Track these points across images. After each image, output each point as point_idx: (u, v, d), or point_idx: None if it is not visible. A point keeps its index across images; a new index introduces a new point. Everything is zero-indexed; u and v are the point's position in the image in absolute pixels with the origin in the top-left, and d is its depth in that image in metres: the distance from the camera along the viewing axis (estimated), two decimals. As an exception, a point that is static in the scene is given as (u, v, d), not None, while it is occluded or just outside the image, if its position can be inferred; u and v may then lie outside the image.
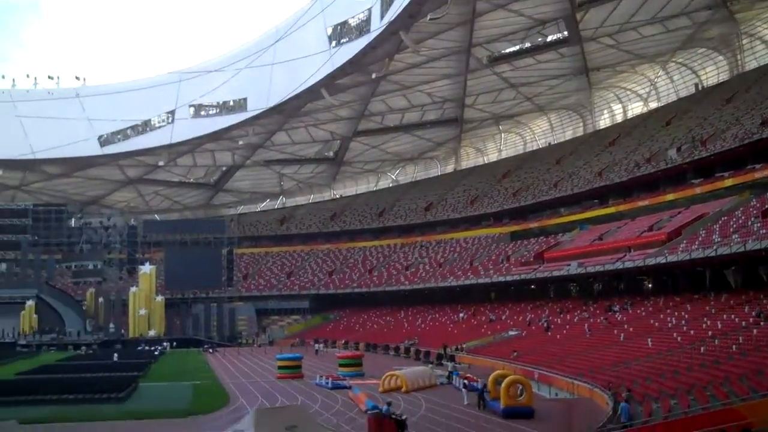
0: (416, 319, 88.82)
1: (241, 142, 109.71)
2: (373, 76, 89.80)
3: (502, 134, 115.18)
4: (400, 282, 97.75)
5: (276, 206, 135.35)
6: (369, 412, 29.03)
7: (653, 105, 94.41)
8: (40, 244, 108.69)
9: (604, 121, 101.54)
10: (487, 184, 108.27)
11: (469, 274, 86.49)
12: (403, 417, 27.29)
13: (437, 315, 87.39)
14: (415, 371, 46.24)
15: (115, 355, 70.69)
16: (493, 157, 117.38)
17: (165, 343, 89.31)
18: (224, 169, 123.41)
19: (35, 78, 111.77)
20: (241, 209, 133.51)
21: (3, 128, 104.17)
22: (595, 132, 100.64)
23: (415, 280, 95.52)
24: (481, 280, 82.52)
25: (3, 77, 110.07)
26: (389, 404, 28.94)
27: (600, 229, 73.91)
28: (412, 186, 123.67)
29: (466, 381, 39.37)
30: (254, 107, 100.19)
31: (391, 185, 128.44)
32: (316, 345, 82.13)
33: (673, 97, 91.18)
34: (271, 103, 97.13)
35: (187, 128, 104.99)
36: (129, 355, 75.23)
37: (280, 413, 15.64)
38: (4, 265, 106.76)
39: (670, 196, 70.26)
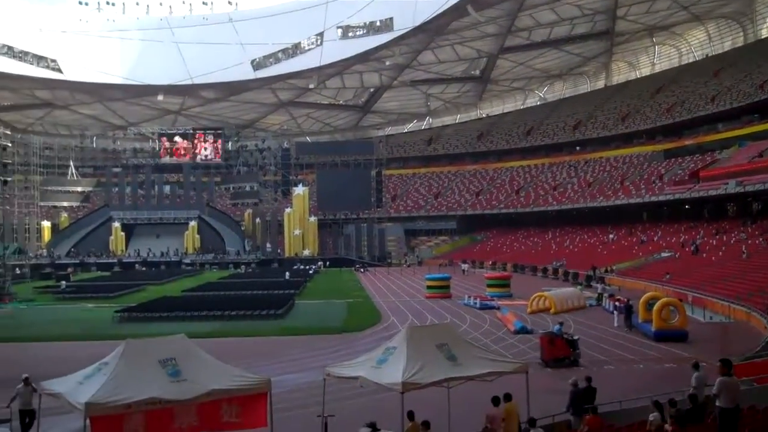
0: (564, 240, 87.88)
1: (388, 63, 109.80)
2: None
3: (656, 47, 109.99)
4: (548, 202, 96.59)
5: (423, 127, 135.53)
6: (541, 332, 29.58)
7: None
8: (200, 166, 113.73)
9: (766, 30, 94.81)
10: (639, 99, 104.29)
11: (619, 194, 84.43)
12: (575, 337, 27.46)
13: (586, 236, 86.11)
14: (563, 292, 46.10)
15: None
16: (645, 71, 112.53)
17: (318, 263, 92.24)
18: (372, 90, 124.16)
19: (190, 4, 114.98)
20: (389, 130, 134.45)
21: (162, 55, 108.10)
22: (757, 42, 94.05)
23: (563, 200, 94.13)
24: (632, 200, 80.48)
25: (161, 5, 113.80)
26: (561, 324, 29.08)
27: (760, 146, 70.09)
28: (560, 103, 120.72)
29: (617, 303, 39.00)
30: (400, 27, 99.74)
31: (538, 103, 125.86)
32: (463, 265, 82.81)
33: None
34: (417, 22, 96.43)
35: (336, 50, 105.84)
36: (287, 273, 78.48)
37: (430, 331, 16.02)
38: (168, 188, 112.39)
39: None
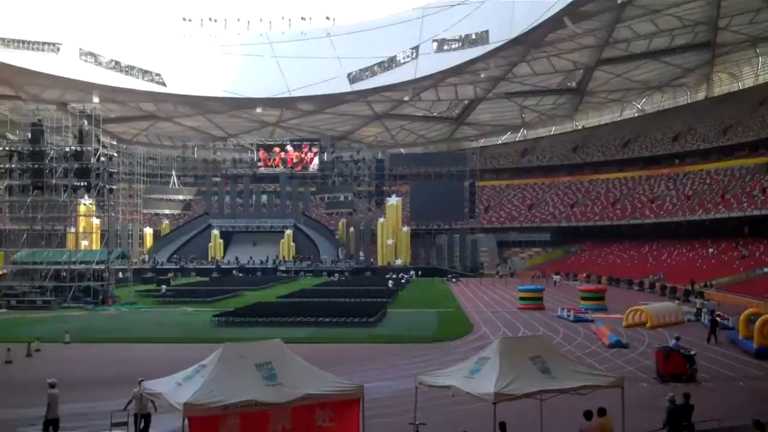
0: (661, 254, 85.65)
1: (482, 75, 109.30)
2: (619, 1, 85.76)
3: (760, 57, 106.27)
4: (645, 215, 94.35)
5: (517, 138, 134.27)
6: (656, 346, 28.95)
7: None
8: (296, 177, 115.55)
9: None
10: (741, 111, 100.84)
11: (720, 207, 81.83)
12: (692, 352, 26.70)
13: (684, 250, 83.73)
14: (660, 307, 44.87)
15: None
16: (748, 82, 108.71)
17: (411, 272, 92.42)
18: (466, 102, 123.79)
19: (289, 20, 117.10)
20: (483, 142, 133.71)
21: (262, 69, 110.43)
22: None
23: (661, 213, 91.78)
24: (733, 214, 77.93)
25: (261, 20, 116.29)
26: (677, 338, 28.38)
27: None
28: (658, 115, 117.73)
29: (718, 318, 37.75)
30: (496, 39, 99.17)
31: (636, 115, 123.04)
32: (555, 276, 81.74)
33: None
34: (513, 35, 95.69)
35: (431, 63, 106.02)
36: (379, 282, 78.73)
37: (524, 343, 15.86)
38: (265, 197, 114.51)
39: None
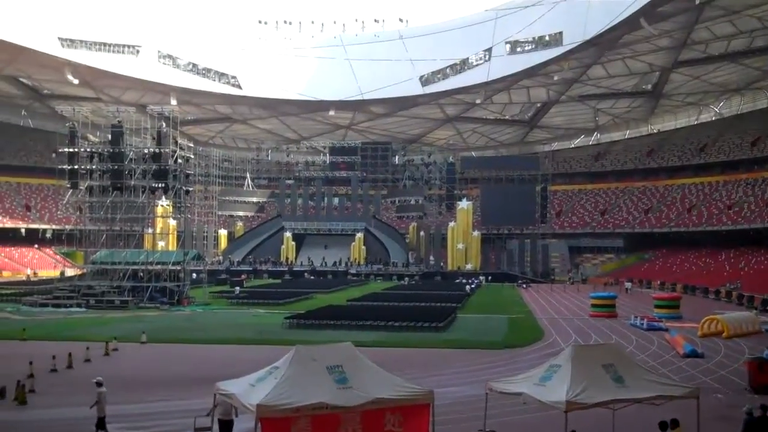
0: (739, 262, 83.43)
1: (556, 78, 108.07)
2: (697, 1, 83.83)
3: None
4: (722, 221, 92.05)
5: (590, 142, 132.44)
6: (748, 356, 28.30)
7: None
8: (367, 180, 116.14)
9: None
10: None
11: (801, 214, 79.43)
12: None
13: (763, 258, 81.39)
14: (737, 316, 43.68)
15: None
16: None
17: (481, 277, 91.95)
18: (538, 105, 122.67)
19: (363, 22, 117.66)
20: (555, 146, 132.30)
21: (335, 71, 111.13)
22: None
23: (739, 219, 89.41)
24: (815, 221, 75.53)
25: (335, 23, 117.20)
26: None
27: None
28: (737, 119, 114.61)
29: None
30: (570, 41, 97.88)
31: (713, 118, 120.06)
32: (627, 284, 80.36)
33: None
34: (588, 36, 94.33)
35: (503, 65, 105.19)
36: (449, 287, 78.55)
37: (596, 351, 15.65)
38: (336, 200, 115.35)
39: None
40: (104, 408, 18.65)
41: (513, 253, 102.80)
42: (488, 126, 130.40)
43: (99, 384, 19.00)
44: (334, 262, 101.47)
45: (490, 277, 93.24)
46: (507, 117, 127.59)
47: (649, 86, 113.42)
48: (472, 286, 78.12)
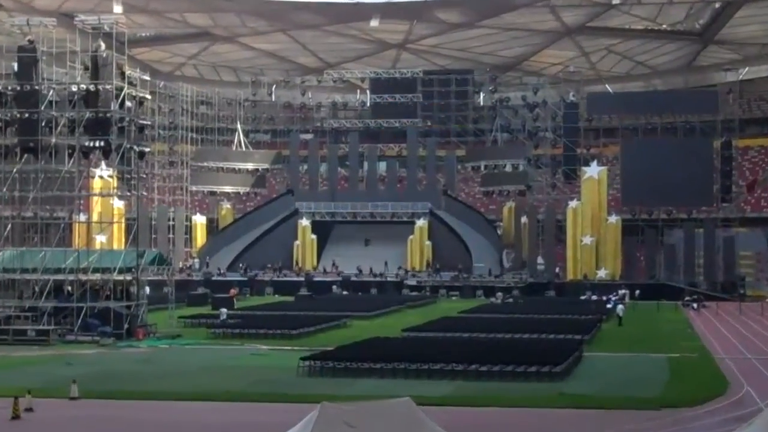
0: None
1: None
2: None
3: None
4: None
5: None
6: None
7: None
8: (433, 133, 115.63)
9: None
10: None
11: None
12: None
13: None
14: None
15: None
16: None
17: (622, 290, 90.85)
18: (717, 5, 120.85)
19: None
20: (746, 73, 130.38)
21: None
22: None
23: None
24: None
25: None
26: None
27: None
28: None
29: None
30: None
31: None
32: None
33: None
34: None
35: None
36: (569, 307, 78.06)
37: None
38: (383, 165, 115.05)
39: None
40: None
41: (675, 251, 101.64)
42: (634, 42, 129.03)
43: None
44: (378, 269, 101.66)
45: (637, 292, 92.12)
46: (665, 27, 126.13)
47: None
48: (609, 305, 77.55)
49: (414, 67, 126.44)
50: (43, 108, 62.56)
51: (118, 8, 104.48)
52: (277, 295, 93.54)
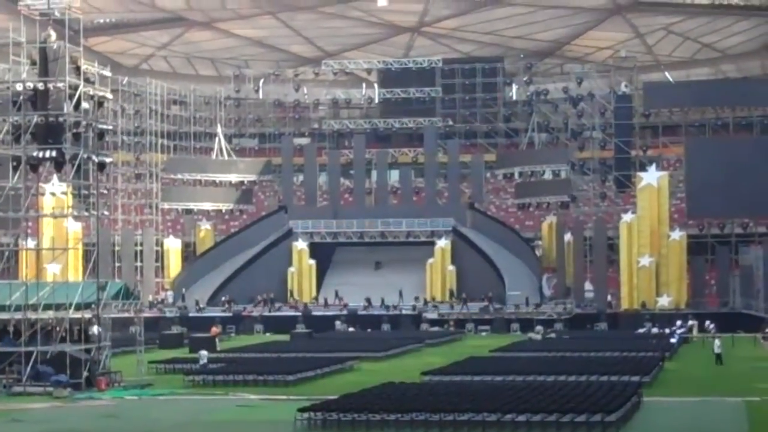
0: None
1: None
2: None
3: None
4: None
5: None
6: None
7: None
8: (456, 132, 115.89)
9: None
10: None
11: None
12: None
13: None
14: None
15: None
16: None
17: (690, 321, 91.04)
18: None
19: None
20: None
21: None
22: None
23: None
24: None
25: None
26: None
27: None
28: None
29: None
30: None
31: None
32: None
33: None
34: None
35: None
36: (624, 342, 77.92)
37: None
38: (395, 174, 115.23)
39: None
40: None
41: (753, 272, 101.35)
42: (698, 20, 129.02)
43: None
44: (391, 300, 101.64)
45: (709, 323, 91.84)
46: (737, 0, 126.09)
47: None
48: (674, 339, 77.37)
49: (431, 54, 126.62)
50: (-19, 111, 62.47)
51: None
52: (268, 334, 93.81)
